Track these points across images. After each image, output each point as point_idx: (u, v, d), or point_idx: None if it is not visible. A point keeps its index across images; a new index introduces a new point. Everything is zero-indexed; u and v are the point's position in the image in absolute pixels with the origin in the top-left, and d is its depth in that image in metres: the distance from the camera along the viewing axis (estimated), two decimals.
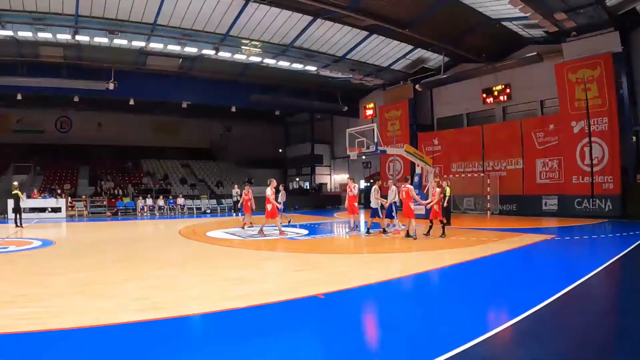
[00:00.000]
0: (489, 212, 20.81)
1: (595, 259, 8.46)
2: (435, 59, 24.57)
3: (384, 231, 13.21)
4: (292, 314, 5.14)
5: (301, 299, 5.59)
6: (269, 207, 12.69)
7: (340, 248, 11.15)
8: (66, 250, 11.21)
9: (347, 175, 33.78)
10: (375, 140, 17.75)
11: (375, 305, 5.66)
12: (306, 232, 14.50)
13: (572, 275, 6.70)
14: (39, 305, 5.31)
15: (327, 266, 8.25)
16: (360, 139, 18.62)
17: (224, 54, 21.61)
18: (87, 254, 10.37)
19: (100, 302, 5.47)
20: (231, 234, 13.93)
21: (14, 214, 17.18)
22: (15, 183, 18.02)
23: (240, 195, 16.26)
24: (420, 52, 24.16)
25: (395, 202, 13.08)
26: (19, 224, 16.64)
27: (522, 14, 15.98)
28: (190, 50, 20.77)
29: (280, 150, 40.76)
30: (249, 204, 14.94)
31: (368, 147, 18.10)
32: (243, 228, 14.68)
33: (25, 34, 17.56)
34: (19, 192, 17.10)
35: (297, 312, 5.18)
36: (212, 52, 21.10)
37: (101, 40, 18.70)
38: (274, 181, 13.05)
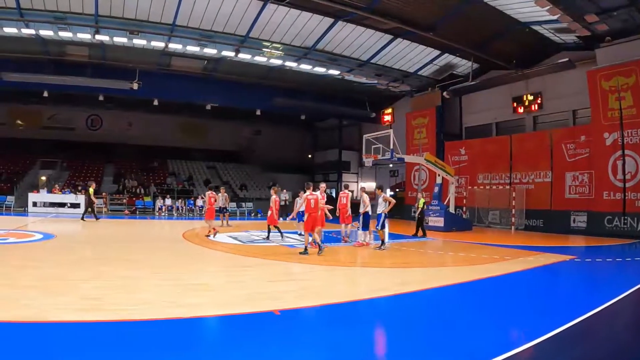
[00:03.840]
0: (513, 227, 19.59)
1: (611, 290, 6.97)
2: (463, 65, 23.61)
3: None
4: (232, 330, 4.67)
5: (253, 314, 5.05)
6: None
7: (335, 259, 10.12)
8: (59, 245, 11.16)
9: (375, 184, 33.28)
10: (391, 147, 17.07)
11: (333, 329, 4.88)
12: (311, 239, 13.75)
13: (573, 311, 5.34)
14: None
15: (307, 278, 7.73)
16: (377, 146, 17.96)
17: (245, 56, 21.44)
18: (76, 250, 10.35)
19: (50, 298, 5.40)
20: (233, 238, 13.60)
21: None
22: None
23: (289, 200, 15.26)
24: (448, 58, 23.24)
25: (368, 212, 12.28)
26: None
27: (552, 17, 14.99)
28: (211, 51, 20.69)
29: (310, 156, 40.34)
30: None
31: (384, 154, 17.44)
32: (208, 236, 13.42)
33: (47, 33, 17.98)
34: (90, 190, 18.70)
35: (238, 330, 4.65)
36: (232, 54, 20.93)
37: (121, 40, 18.90)
38: (324, 185, 11.88)
